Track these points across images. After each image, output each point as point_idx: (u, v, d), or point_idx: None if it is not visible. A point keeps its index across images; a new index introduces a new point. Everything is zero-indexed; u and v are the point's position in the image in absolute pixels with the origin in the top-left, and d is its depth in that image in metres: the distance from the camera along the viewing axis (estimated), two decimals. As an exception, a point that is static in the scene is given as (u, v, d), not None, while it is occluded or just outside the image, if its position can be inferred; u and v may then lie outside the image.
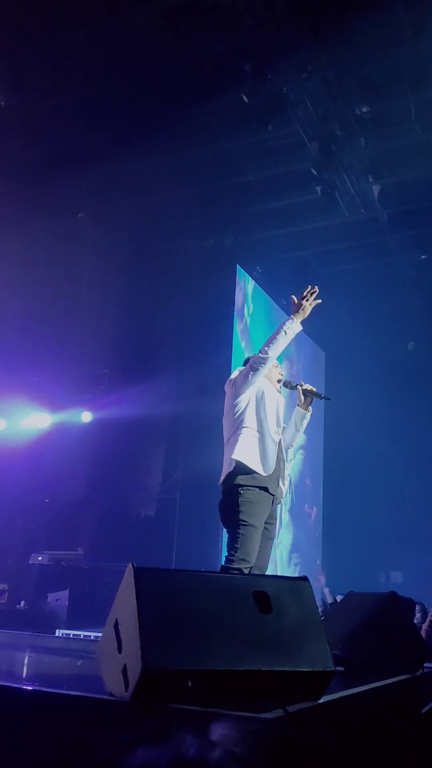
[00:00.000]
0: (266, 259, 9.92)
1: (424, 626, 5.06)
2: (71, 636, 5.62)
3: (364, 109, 7.20)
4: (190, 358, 9.42)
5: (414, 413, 10.62)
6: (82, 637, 5.52)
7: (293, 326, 3.62)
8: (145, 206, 9.42)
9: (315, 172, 7.97)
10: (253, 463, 3.45)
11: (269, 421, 3.56)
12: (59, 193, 9.48)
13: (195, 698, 1.94)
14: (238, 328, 8.98)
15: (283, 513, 9.60)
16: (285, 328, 3.60)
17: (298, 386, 3.79)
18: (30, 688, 2.32)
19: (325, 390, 11.48)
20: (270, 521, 3.51)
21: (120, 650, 2.14)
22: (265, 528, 3.42)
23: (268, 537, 3.47)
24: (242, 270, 9.45)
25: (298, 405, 3.77)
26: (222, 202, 9.17)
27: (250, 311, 9.50)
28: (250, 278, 9.67)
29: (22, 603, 7.67)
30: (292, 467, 9.66)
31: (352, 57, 6.84)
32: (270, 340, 3.61)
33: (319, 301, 3.76)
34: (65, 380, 9.32)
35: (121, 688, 2.05)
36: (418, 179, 8.33)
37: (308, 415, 3.76)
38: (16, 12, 6.82)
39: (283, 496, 3.66)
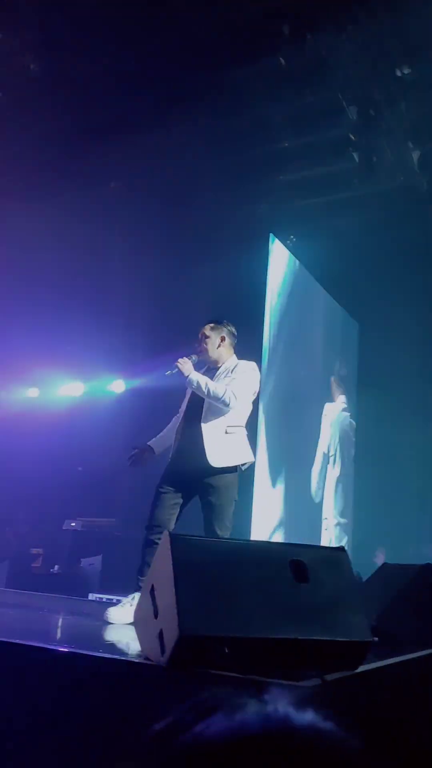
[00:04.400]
0: (301, 228, 9.75)
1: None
2: (104, 600, 5.72)
3: (406, 71, 6.96)
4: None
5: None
6: (114, 601, 5.62)
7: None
8: (177, 176, 9.30)
9: (353, 138, 7.77)
10: None
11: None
12: (91, 164, 9.42)
13: (232, 665, 1.95)
14: (270, 296, 8.88)
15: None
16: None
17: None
18: (65, 649, 2.36)
19: (357, 362, 11.37)
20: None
21: (156, 615, 2.15)
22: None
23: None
24: (276, 239, 9.31)
25: None
26: (256, 170, 9.01)
27: (283, 280, 9.39)
28: (284, 247, 9.53)
29: (56, 567, 7.84)
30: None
31: (394, 15, 6.59)
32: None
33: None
34: (98, 349, 9.38)
35: (158, 653, 2.07)
36: (460, 145, 8.07)
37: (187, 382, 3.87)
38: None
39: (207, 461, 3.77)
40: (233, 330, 3.99)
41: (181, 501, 3.77)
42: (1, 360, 10.16)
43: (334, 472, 9.85)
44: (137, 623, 2.40)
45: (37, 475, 8.84)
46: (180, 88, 7.97)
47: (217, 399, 3.61)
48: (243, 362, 3.89)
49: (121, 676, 2.11)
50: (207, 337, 3.92)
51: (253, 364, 3.91)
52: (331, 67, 7.02)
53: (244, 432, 3.76)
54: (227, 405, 3.63)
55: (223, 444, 3.65)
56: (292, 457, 9.12)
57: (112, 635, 3.17)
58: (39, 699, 2.13)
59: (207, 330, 3.94)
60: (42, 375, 9.75)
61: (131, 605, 3.27)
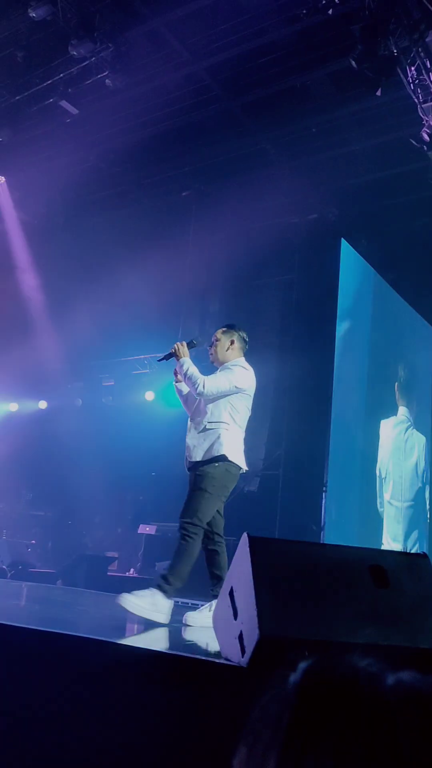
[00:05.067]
0: (373, 232, 9.61)
1: None
2: (179, 603, 5.78)
3: None
4: (294, 334, 9.34)
5: None
6: (189, 605, 5.67)
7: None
8: (247, 182, 9.38)
9: (427, 138, 7.60)
10: None
11: None
12: (164, 173, 9.62)
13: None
14: (342, 303, 8.78)
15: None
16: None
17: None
18: (147, 649, 2.41)
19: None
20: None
21: (236, 617, 2.17)
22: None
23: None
24: (347, 244, 9.21)
25: None
26: (326, 174, 8.96)
27: (355, 286, 9.27)
28: (356, 252, 9.41)
29: (132, 570, 7.99)
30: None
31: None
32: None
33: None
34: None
35: (238, 654, 2.08)
36: None
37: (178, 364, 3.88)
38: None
39: (191, 456, 3.79)
40: (244, 335, 4.00)
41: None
42: (76, 367, 10.48)
43: (387, 495, 8.88)
44: (216, 624, 2.43)
45: (112, 480, 9.04)
46: (250, 97, 8.04)
47: (193, 384, 3.67)
48: (236, 361, 3.88)
49: (202, 676, 2.15)
50: (217, 339, 3.96)
51: (242, 362, 3.89)
52: (403, 66, 6.89)
53: (225, 429, 3.68)
54: (197, 391, 3.67)
55: (199, 439, 3.71)
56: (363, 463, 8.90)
57: (191, 636, 3.21)
58: (123, 695, 2.19)
59: (218, 333, 3.99)
60: (118, 382, 10.00)
61: (209, 610, 3.33)
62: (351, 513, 8.53)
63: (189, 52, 7.45)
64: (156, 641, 2.92)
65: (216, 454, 3.64)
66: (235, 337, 3.96)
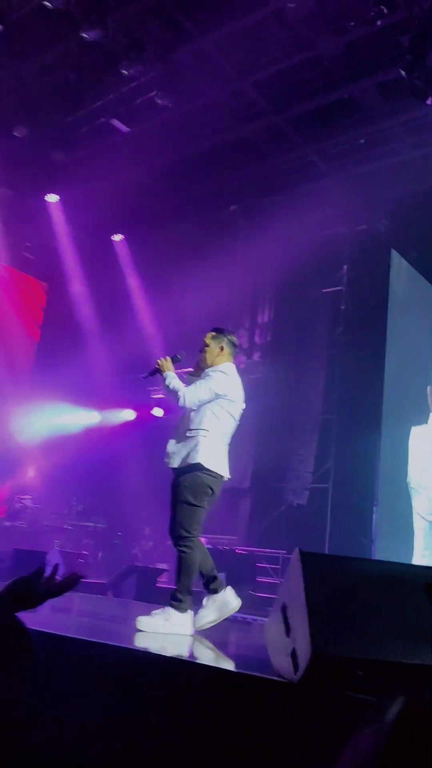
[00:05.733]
0: (423, 242, 9.47)
1: None
2: (238, 619, 5.77)
3: None
4: (343, 346, 9.27)
5: None
6: (239, 619, 5.66)
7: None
8: (295, 195, 9.38)
9: None
10: None
11: None
12: (212, 188, 9.72)
13: (364, 687, 1.92)
14: (392, 314, 8.66)
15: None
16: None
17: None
18: (200, 663, 2.42)
19: None
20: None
21: (288, 633, 2.16)
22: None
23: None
24: (397, 254, 9.11)
25: None
26: (375, 184, 8.90)
27: (405, 297, 9.13)
28: (407, 263, 9.29)
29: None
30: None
31: None
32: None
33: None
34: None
35: (290, 671, 2.07)
36: None
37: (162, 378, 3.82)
38: (169, 15, 7.05)
39: (169, 460, 3.74)
40: (234, 340, 3.92)
41: None
42: (127, 379, 10.61)
43: (418, 507, 8.32)
44: (269, 640, 2.42)
45: (162, 491, 9.09)
46: (296, 111, 8.06)
47: (175, 397, 3.65)
48: (217, 367, 3.82)
49: (255, 691, 2.14)
50: (207, 345, 3.88)
51: (223, 367, 3.82)
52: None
53: (203, 436, 3.63)
54: (179, 404, 3.65)
55: (178, 446, 3.67)
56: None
57: (243, 651, 3.21)
58: (173, 708, 2.21)
59: (208, 338, 3.90)
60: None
61: (165, 617, 3.40)
62: (402, 526, 8.36)
63: (236, 68, 7.53)
64: (206, 656, 2.92)
65: (192, 462, 3.61)
66: (225, 342, 3.89)
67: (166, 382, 3.73)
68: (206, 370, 3.80)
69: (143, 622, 3.33)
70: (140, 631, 3.28)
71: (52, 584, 1.43)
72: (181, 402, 3.67)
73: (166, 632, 3.31)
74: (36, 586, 1.39)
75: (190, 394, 3.67)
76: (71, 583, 1.49)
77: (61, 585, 1.45)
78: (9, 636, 0.81)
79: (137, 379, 3.67)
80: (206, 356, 3.88)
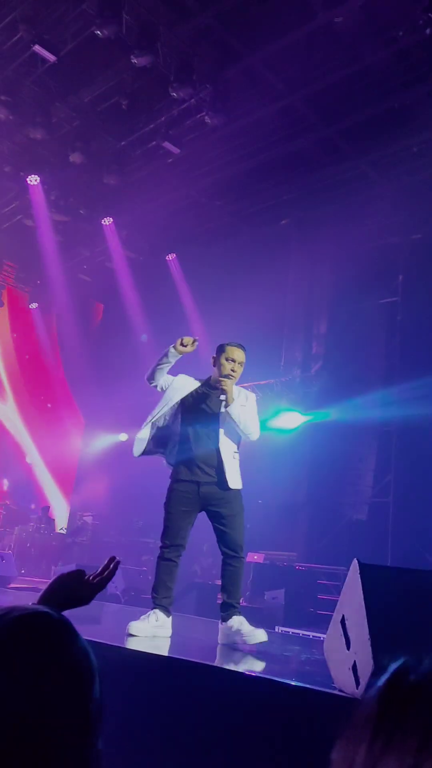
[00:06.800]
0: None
1: None
2: (290, 633, 5.70)
3: None
4: (401, 357, 9.10)
5: None
6: (300, 635, 5.58)
7: (170, 356, 3.70)
8: (347, 206, 9.33)
9: None
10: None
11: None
12: (263, 203, 9.77)
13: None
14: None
15: None
16: (162, 357, 3.72)
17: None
18: (259, 676, 2.39)
19: None
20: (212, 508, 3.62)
21: (348, 647, 2.12)
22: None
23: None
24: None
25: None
26: (429, 192, 8.75)
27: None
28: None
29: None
30: None
31: None
32: (150, 369, 3.79)
33: (193, 348, 3.68)
34: (274, 382, 9.52)
35: (352, 685, 2.03)
36: None
37: (231, 412, 3.63)
38: (217, 35, 7.17)
39: (229, 483, 3.60)
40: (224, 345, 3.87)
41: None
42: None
43: None
44: (329, 654, 2.38)
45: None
46: (347, 123, 8.03)
47: (244, 426, 3.64)
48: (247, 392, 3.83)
49: (316, 706, 2.11)
50: (241, 364, 3.74)
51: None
52: None
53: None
54: (248, 435, 3.69)
55: (231, 465, 3.64)
56: None
57: (303, 666, 3.16)
58: (231, 718, 2.19)
59: (244, 357, 3.75)
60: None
61: (155, 619, 3.40)
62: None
63: (285, 84, 7.58)
64: (267, 671, 2.89)
65: (240, 485, 3.65)
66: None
67: (235, 413, 3.65)
68: (242, 391, 3.75)
69: (135, 628, 3.32)
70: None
71: (95, 579, 1.44)
72: (254, 437, 3.70)
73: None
74: (82, 580, 1.41)
75: (257, 426, 3.71)
76: (112, 567, 1.49)
77: (103, 574, 1.46)
78: (58, 635, 0.81)
79: (225, 409, 3.58)
80: (238, 375, 3.78)
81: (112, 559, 1.52)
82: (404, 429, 8.73)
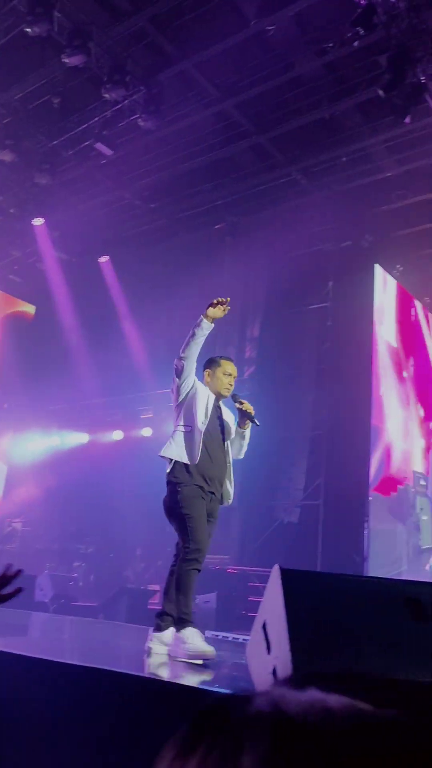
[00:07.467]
0: (407, 258, 9.57)
1: None
2: (220, 637, 5.72)
3: None
4: (331, 361, 9.29)
5: None
6: (230, 638, 5.60)
7: (203, 325, 3.55)
8: (280, 213, 9.47)
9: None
10: (182, 455, 3.50)
11: (198, 418, 3.55)
12: (198, 207, 9.80)
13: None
14: (377, 328, 8.72)
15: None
16: (195, 328, 3.55)
17: (237, 404, 3.65)
18: (182, 684, 2.38)
19: None
20: (210, 519, 3.57)
21: (269, 651, 2.14)
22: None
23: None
24: (382, 270, 9.19)
25: (238, 423, 3.68)
26: (358, 201, 8.99)
27: (391, 311, 9.20)
28: (391, 277, 9.37)
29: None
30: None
31: None
32: (184, 343, 3.60)
33: (228, 308, 3.64)
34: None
35: (272, 689, 2.04)
36: None
37: (246, 433, 3.70)
38: (151, 38, 7.15)
39: (231, 498, 3.69)
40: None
41: None
42: (116, 400, 10.58)
43: None
44: (250, 658, 2.39)
45: (153, 512, 9.03)
46: (279, 131, 8.16)
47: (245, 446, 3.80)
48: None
49: (238, 711, 2.11)
50: (235, 378, 3.77)
51: None
52: (430, 92, 6.93)
53: None
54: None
55: (229, 483, 3.80)
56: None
57: (229, 671, 3.17)
58: (153, 728, 2.17)
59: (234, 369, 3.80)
60: (156, 415, 10.06)
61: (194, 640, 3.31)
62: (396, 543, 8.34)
63: (218, 90, 7.63)
64: (190, 678, 2.88)
65: None
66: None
67: (248, 433, 3.70)
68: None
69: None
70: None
71: None
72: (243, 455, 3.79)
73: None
74: None
75: None
76: (8, 575, 1.45)
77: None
78: None
79: (255, 426, 3.58)
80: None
81: (9, 566, 1.47)
82: (334, 432, 8.91)
